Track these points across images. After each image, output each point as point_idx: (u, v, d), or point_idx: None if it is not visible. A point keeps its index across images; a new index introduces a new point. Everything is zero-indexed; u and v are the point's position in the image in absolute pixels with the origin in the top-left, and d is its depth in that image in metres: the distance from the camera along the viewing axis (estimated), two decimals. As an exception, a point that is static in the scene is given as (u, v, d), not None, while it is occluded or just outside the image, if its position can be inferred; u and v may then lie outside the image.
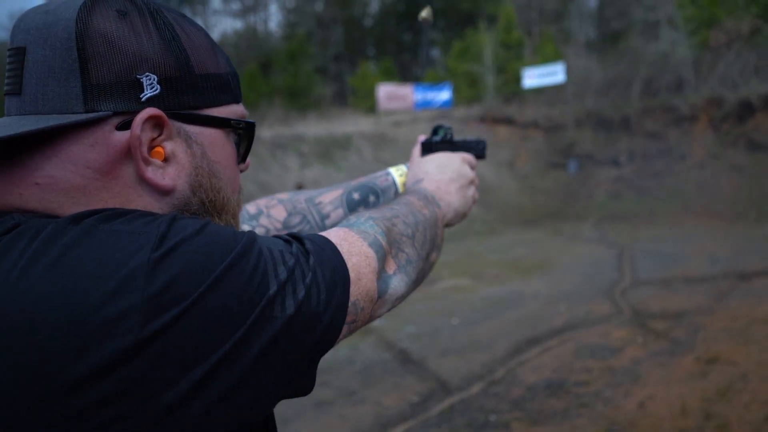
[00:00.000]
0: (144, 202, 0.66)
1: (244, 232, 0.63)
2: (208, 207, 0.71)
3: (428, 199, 0.98)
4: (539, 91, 23.89)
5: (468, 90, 26.19)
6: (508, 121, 22.25)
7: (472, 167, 1.16)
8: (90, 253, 0.54)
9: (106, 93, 0.63)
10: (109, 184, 0.64)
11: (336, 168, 17.19)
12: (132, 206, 0.65)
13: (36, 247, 0.55)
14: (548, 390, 4.78)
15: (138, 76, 0.64)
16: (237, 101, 0.74)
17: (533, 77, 22.98)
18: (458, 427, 4.24)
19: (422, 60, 46.37)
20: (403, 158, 18.99)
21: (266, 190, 14.97)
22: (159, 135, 0.66)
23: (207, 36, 0.72)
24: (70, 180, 0.63)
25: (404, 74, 44.29)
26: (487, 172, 20.32)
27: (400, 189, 1.19)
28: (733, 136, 16.88)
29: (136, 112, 0.64)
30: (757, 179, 15.52)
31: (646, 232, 13.69)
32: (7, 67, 0.65)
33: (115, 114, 0.64)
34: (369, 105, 28.42)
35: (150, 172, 0.65)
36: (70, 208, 0.63)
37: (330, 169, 17.06)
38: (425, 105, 23.57)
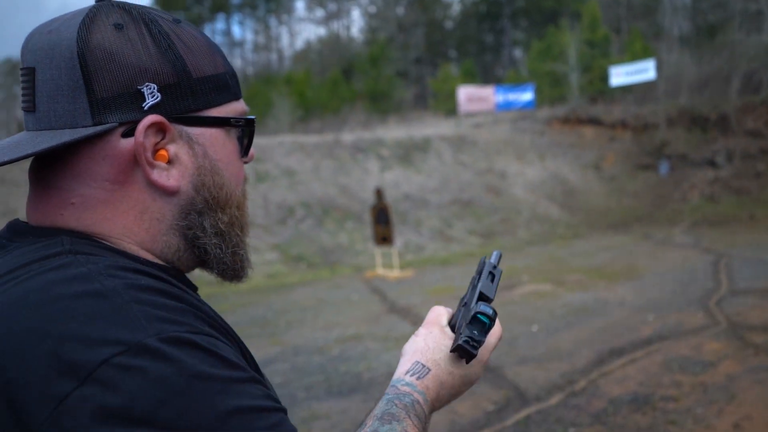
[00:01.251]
0: (158, 205, 0.72)
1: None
2: (212, 204, 0.74)
3: (424, 422, 0.83)
4: (627, 90, 22.91)
5: (551, 90, 25.51)
6: (594, 121, 21.46)
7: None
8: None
9: (110, 105, 0.68)
10: (127, 193, 0.70)
11: (415, 170, 17.18)
12: (149, 211, 0.71)
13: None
14: (633, 404, 4.53)
15: (139, 87, 0.68)
16: (236, 98, 0.77)
17: (621, 75, 22.07)
18: (535, 439, 4.09)
19: (504, 61, 45.66)
20: (483, 160, 18.75)
21: (347, 193, 15.17)
22: (162, 139, 0.70)
23: (204, 37, 0.75)
24: (95, 196, 0.70)
25: (485, 76, 43.74)
26: (571, 174, 19.68)
27: None
28: None
29: (139, 121, 0.68)
30: None
31: (745, 237, 12.80)
32: (21, 86, 0.71)
33: (121, 124, 0.68)
34: (449, 107, 28.25)
35: (155, 175, 0.70)
36: (102, 224, 0.70)
37: (410, 171, 17.06)
38: (507, 106, 23.16)
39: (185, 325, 0.61)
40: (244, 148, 0.79)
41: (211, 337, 0.63)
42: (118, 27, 0.69)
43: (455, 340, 0.88)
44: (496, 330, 0.93)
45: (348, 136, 18.11)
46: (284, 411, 0.64)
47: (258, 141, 16.77)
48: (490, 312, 0.85)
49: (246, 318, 8.29)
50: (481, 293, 0.92)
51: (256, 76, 50.44)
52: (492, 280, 0.94)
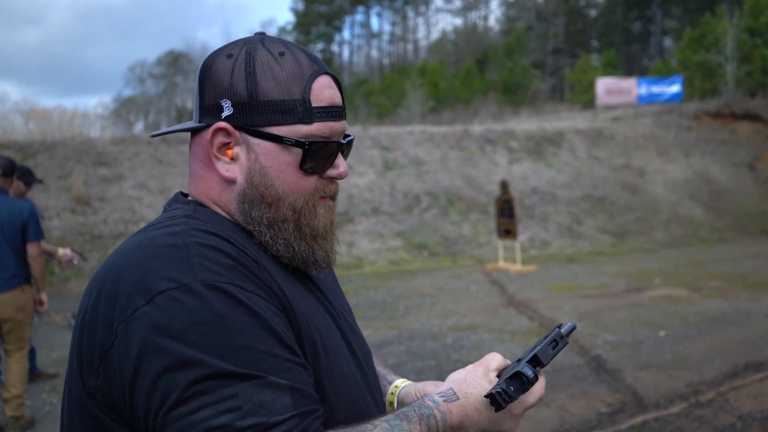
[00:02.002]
0: (227, 189, 0.98)
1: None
2: (259, 199, 0.96)
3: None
4: (794, 82, 20.61)
5: (702, 82, 23.53)
6: (751, 117, 19.53)
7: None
8: None
9: (207, 111, 0.97)
10: (210, 174, 0.99)
11: (546, 164, 16.67)
12: (225, 192, 0.98)
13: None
14: (766, 422, 4.17)
15: (220, 101, 0.95)
16: (304, 122, 0.94)
17: (786, 66, 19.88)
18: (650, 447, 3.90)
19: (651, 51, 42.78)
20: (620, 156, 17.77)
21: (472, 184, 15.09)
22: (230, 141, 0.95)
23: (298, 69, 0.94)
24: (197, 171, 1.01)
25: (629, 67, 41.26)
26: (720, 173, 18.12)
27: (387, 397, 1.21)
28: None
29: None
30: None
31: None
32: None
33: (208, 125, 0.96)
34: (587, 100, 27.02)
35: (218, 166, 0.97)
36: (202, 194, 1.00)
37: (539, 164, 16.59)
38: (651, 99, 21.71)
39: (225, 277, 0.82)
40: (311, 165, 0.96)
41: (246, 291, 0.83)
42: (229, 56, 0.96)
43: (493, 387, 0.94)
44: (536, 390, 0.97)
45: (478, 128, 17.94)
46: (297, 364, 0.82)
47: (388, 130, 17.11)
48: (531, 375, 0.92)
49: (367, 300, 8.57)
50: (535, 355, 0.96)
51: (391, 67, 51.30)
52: (553, 348, 0.99)
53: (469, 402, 0.94)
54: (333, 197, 1.04)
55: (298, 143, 0.94)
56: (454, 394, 0.95)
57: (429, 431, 0.88)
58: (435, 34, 58.59)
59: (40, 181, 5.59)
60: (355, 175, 14.37)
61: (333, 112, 0.96)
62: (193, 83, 1.01)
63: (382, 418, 0.87)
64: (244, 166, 0.96)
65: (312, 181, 0.98)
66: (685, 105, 21.29)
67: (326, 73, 0.98)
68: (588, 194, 15.79)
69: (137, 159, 13.06)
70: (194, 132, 1.00)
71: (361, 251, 12.19)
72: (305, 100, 0.93)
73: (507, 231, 10.70)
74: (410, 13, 58.55)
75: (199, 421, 0.74)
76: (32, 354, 5.15)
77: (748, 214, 16.37)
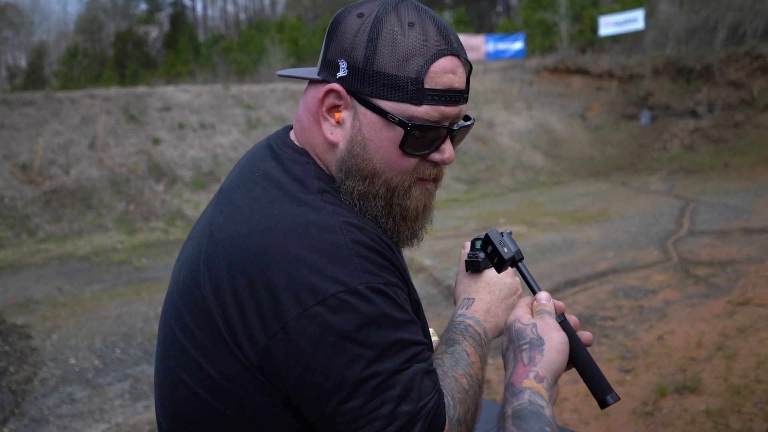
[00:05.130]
0: (331, 150, 0.97)
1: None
2: (355, 170, 0.95)
3: (480, 340, 1.04)
4: (616, 40, 23.07)
5: (542, 39, 25.59)
6: (582, 72, 21.71)
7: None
8: None
9: (326, 66, 0.96)
10: (316, 129, 0.98)
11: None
12: (329, 152, 0.97)
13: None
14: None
15: (338, 60, 0.93)
16: (414, 103, 0.91)
17: (610, 25, 22.20)
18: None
19: (499, 9, 45.13)
20: (472, 110, 19.05)
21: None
22: (341, 103, 0.94)
23: (423, 45, 0.90)
24: (304, 121, 1.00)
25: (480, 23, 43.35)
26: (557, 123, 20.09)
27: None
28: (823, 85, 15.92)
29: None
30: None
31: (716, 184, 13.39)
32: None
33: (324, 81, 0.95)
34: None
35: (324, 126, 0.96)
36: (309, 145, 0.99)
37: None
38: (497, 56, 23.28)
39: (382, 277, 0.87)
40: (413, 147, 0.93)
41: (394, 287, 0.89)
42: (359, 16, 0.93)
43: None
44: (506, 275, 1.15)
45: (339, 85, 18.36)
46: (425, 344, 0.91)
47: (250, 88, 17.03)
48: (482, 236, 1.10)
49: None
50: (486, 235, 1.08)
51: (248, 23, 49.75)
52: (504, 236, 1.06)
53: (479, 294, 1.11)
54: (436, 180, 1.02)
55: (401, 122, 0.91)
56: (468, 299, 1.11)
57: (473, 340, 1.02)
58: None
59: None
60: (218, 134, 14.32)
61: (448, 97, 0.92)
62: (25, 38, 0.95)
63: (441, 350, 1.01)
64: (348, 132, 0.95)
65: (412, 162, 0.95)
66: (527, 61, 23.10)
67: (453, 54, 0.92)
68: (443, 146, 16.92)
69: (-25, 124, 12.08)
70: (310, 81, 0.99)
71: (230, 210, 12.28)
72: (419, 80, 0.90)
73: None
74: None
75: (367, 412, 0.83)
76: None
77: (580, 158, 18.44)
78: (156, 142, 13.54)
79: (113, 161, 12.61)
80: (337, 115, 0.95)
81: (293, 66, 28.15)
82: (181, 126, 14.27)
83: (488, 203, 13.05)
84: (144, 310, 6.31)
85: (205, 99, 15.42)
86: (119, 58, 40.07)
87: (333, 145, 0.96)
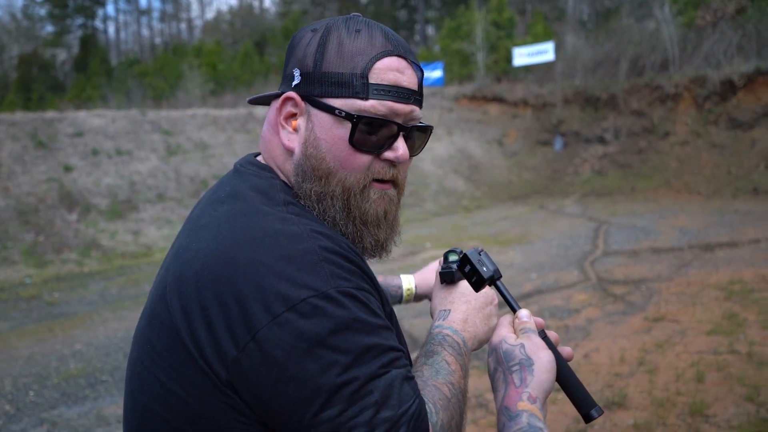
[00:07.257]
0: (288, 159, 0.99)
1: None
2: (310, 172, 0.96)
3: (459, 349, 1.03)
4: (529, 70, 24.20)
5: (460, 68, 26.47)
6: (499, 100, 22.60)
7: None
8: None
9: (285, 80, 1.00)
10: (275, 140, 1.01)
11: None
12: (287, 162, 0.99)
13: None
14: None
15: (293, 71, 0.98)
16: (359, 97, 0.93)
17: (523, 56, 23.30)
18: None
19: (417, 38, 46.40)
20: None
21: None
22: (297, 111, 0.98)
23: (371, 45, 0.94)
24: (265, 134, 1.04)
25: (399, 52, 44.25)
26: (477, 149, 20.74)
27: (404, 298, 1.42)
28: (714, 115, 17.28)
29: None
30: (737, 156, 15.98)
31: (625, 207, 14.20)
32: None
33: (283, 93, 0.99)
34: (362, 83, 28.48)
35: (282, 134, 0.99)
36: (270, 158, 1.02)
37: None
38: (417, 83, 23.80)
39: (353, 282, 0.87)
40: (362, 141, 0.94)
41: (366, 292, 0.88)
42: (313, 31, 0.98)
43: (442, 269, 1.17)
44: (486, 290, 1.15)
45: (262, 110, 18.20)
46: (402, 351, 0.89)
47: (168, 114, 16.57)
48: (457, 251, 1.15)
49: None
50: (465, 254, 1.08)
51: (164, 47, 48.62)
52: (481, 255, 1.06)
53: (454, 305, 1.12)
54: (394, 184, 1.01)
55: (348, 116, 0.93)
56: (444, 310, 1.12)
57: (453, 349, 1.02)
58: (210, 14, 56.70)
59: None
60: (136, 161, 13.81)
61: (395, 92, 0.94)
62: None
63: (420, 363, 1.00)
64: (302, 136, 0.97)
65: (365, 159, 0.96)
66: (446, 89, 23.80)
67: (399, 55, 0.96)
68: (367, 172, 17.05)
69: None
70: (273, 98, 1.02)
71: (149, 239, 11.85)
72: (363, 75, 0.92)
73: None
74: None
75: (345, 420, 0.80)
76: None
77: (499, 183, 19.08)
78: (68, 169, 12.89)
79: (20, 190, 11.87)
80: (294, 123, 0.97)
81: (213, 91, 27.70)
82: (95, 152, 13.66)
83: (413, 228, 13.22)
84: (58, 347, 5.93)
85: (120, 124, 14.86)
86: (23, 82, 38.14)
87: (290, 151, 0.98)
